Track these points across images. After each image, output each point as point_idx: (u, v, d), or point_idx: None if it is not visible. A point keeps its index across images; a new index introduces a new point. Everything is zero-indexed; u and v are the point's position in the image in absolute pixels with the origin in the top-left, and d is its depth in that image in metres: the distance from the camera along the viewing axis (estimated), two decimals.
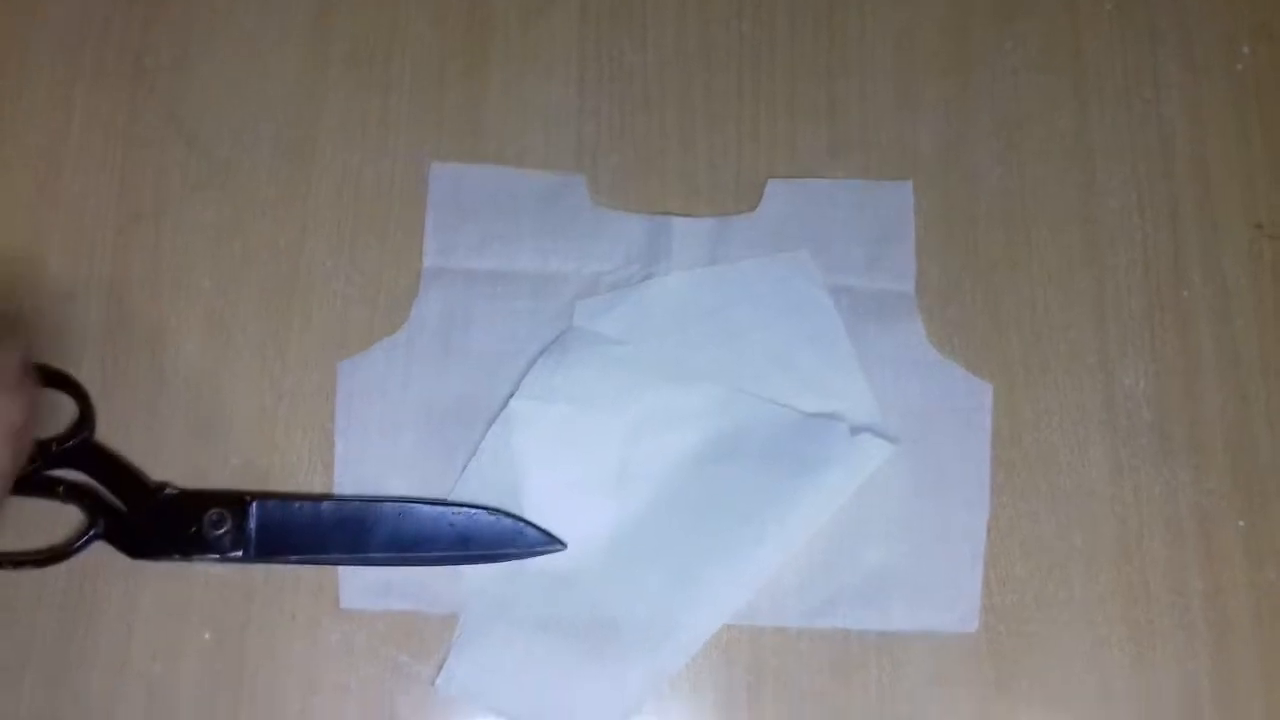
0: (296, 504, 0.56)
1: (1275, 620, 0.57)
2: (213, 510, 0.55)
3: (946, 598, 0.57)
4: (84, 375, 0.57)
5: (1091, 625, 0.57)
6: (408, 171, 0.61)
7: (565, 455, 0.57)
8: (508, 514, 0.56)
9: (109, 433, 0.57)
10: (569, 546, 0.56)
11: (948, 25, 0.64)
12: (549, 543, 0.56)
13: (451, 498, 0.57)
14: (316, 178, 0.61)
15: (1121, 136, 0.63)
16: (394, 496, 0.57)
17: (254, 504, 0.56)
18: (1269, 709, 0.56)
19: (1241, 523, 0.58)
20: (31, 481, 0.55)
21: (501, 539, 0.56)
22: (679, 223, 0.61)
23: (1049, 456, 0.58)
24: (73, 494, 0.55)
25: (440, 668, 0.55)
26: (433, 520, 0.56)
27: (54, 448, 0.56)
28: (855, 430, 0.57)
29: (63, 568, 0.55)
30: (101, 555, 0.55)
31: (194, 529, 0.55)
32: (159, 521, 0.56)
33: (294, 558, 0.55)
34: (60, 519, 0.56)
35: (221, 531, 0.55)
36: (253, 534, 0.55)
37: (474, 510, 0.56)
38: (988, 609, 0.57)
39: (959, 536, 0.57)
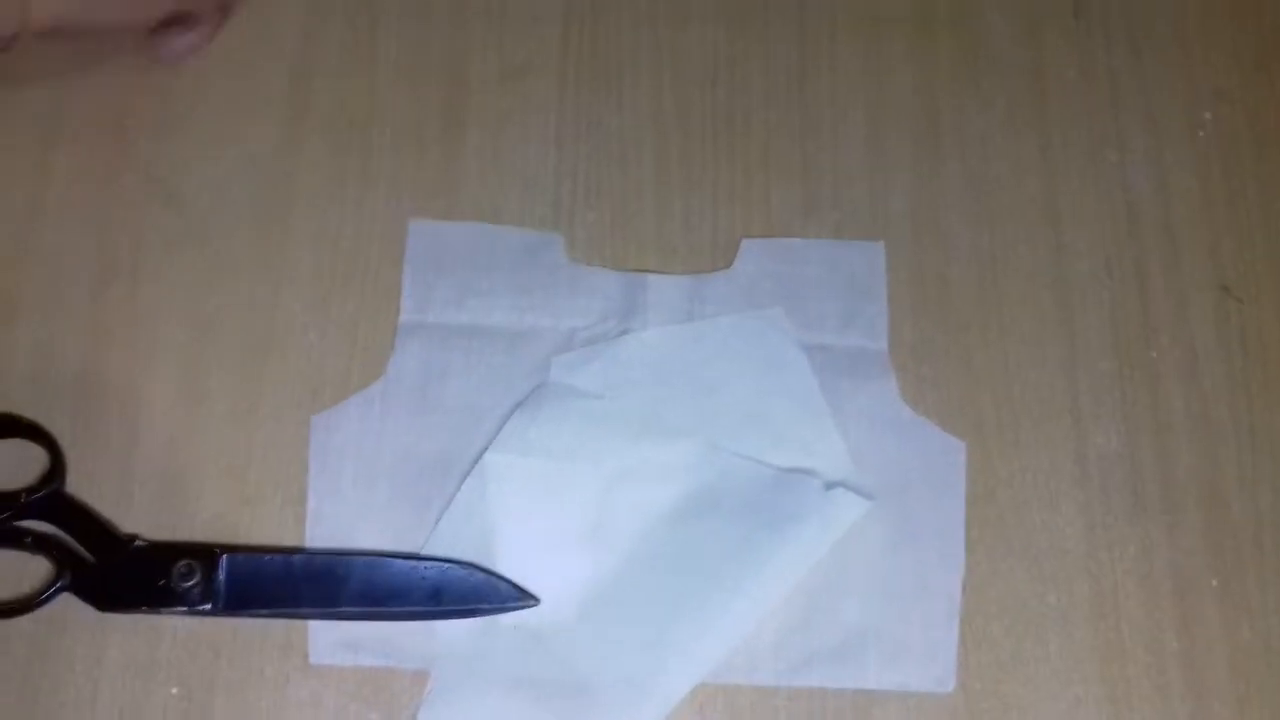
0: (267, 557, 0.55)
1: (1251, 679, 0.57)
2: (181, 562, 0.55)
3: (923, 656, 0.56)
4: (56, 428, 0.57)
5: (1068, 685, 0.56)
6: (385, 229, 0.62)
7: (540, 509, 0.57)
8: (480, 568, 0.56)
9: (80, 485, 0.57)
10: (542, 602, 0.56)
11: (918, 89, 0.65)
12: (522, 598, 0.55)
13: (425, 552, 0.56)
14: (294, 235, 0.61)
15: (1089, 200, 0.64)
16: (365, 550, 0.56)
17: (224, 556, 0.55)
18: None
19: (1215, 582, 0.58)
20: None
21: (474, 594, 0.55)
22: (654, 280, 0.61)
23: (1022, 514, 0.59)
24: (40, 545, 0.55)
25: None
26: (404, 574, 0.55)
27: (23, 498, 0.55)
28: (829, 486, 0.57)
29: (28, 620, 0.54)
30: (68, 608, 0.54)
31: (163, 581, 0.54)
32: (127, 573, 0.55)
33: (264, 611, 0.55)
34: (27, 570, 0.55)
35: (191, 584, 0.54)
36: (222, 586, 0.55)
37: (446, 564, 0.56)
38: (964, 668, 0.56)
39: (935, 594, 0.57)
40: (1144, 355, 0.61)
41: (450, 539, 0.57)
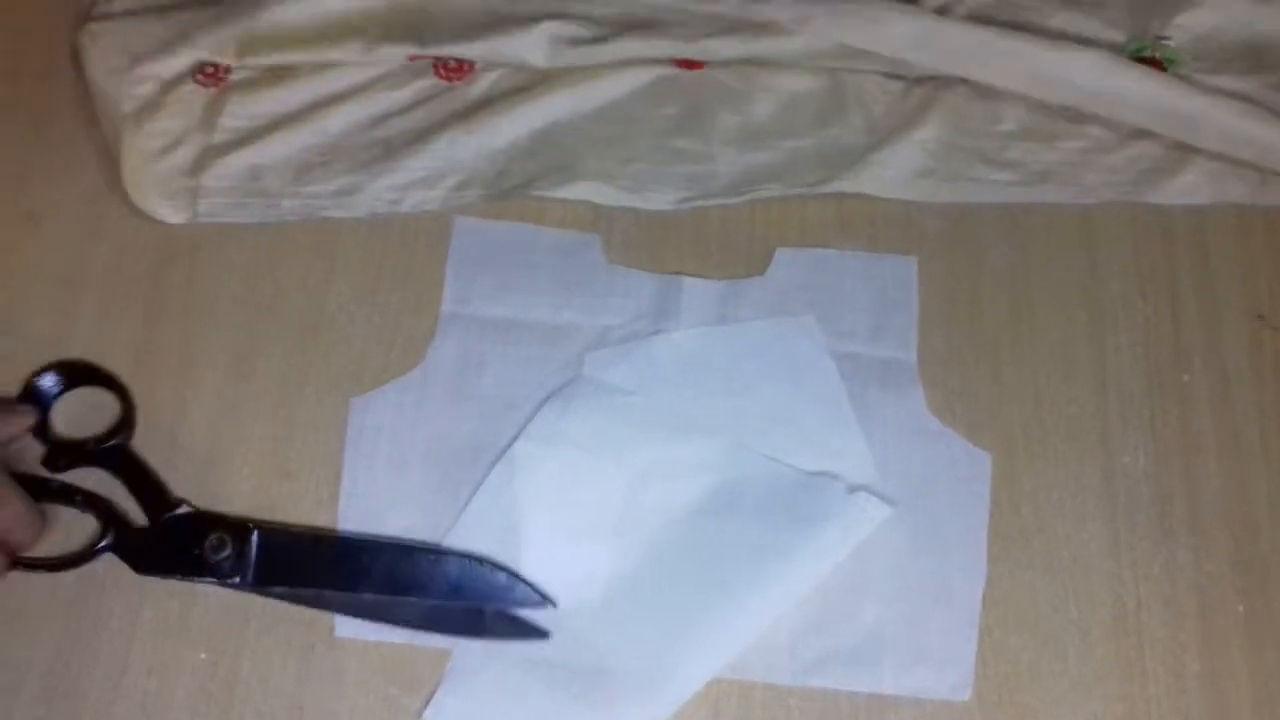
0: (297, 536, 0.57)
1: (1275, 706, 0.56)
2: (214, 535, 0.56)
3: (940, 663, 0.57)
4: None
5: (1086, 700, 0.56)
6: (432, 224, 0.64)
7: (566, 500, 0.58)
8: (503, 567, 0.57)
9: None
10: (565, 590, 0.57)
11: None
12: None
13: (451, 534, 0.58)
14: (347, 226, 0.64)
15: (1123, 221, 0.65)
16: (391, 538, 0.58)
17: (256, 532, 0.57)
18: None
19: (1241, 607, 0.58)
20: (51, 487, 0.57)
21: (494, 592, 0.56)
22: (689, 282, 0.63)
23: (1047, 528, 0.59)
24: (89, 503, 0.57)
25: (429, 702, 0.56)
26: (428, 566, 0.57)
27: (90, 446, 0.58)
28: (853, 489, 0.58)
29: (71, 575, 0.57)
30: (109, 567, 0.57)
31: (197, 551, 0.56)
32: (166, 540, 0.57)
33: (289, 589, 0.56)
34: (76, 526, 0.58)
35: (223, 556, 0.56)
36: (253, 562, 0.56)
37: (469, 560, 0.57)
38: (981, 677, 0.56)
39: (955, 603, 0.57)
40: (1175, 378, 0.61)
41: (477, 523, 0.58)
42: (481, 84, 0.67)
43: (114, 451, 0.58)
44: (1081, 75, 0.65)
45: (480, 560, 0.57)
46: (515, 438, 0.59)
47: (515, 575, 0.56)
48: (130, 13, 0.67)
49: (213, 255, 0.63)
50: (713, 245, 0.64)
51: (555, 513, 0.58)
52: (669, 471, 0.59)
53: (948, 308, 0.63)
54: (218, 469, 0.59)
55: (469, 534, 0.58)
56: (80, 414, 0.60)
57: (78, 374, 0.60)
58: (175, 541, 0.57)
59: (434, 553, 0.57)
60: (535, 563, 0.57)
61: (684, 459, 0.59)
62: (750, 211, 0.65)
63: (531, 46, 0.66)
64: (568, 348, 0.61)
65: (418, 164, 0.65)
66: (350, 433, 0.60)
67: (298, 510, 0.59)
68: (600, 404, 0.60)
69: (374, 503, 0.59)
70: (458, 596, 0.56)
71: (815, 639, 0.57)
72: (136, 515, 0.58)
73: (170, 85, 0.66)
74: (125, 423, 0.59)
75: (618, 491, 0.59)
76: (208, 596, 0.57)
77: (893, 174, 0.65)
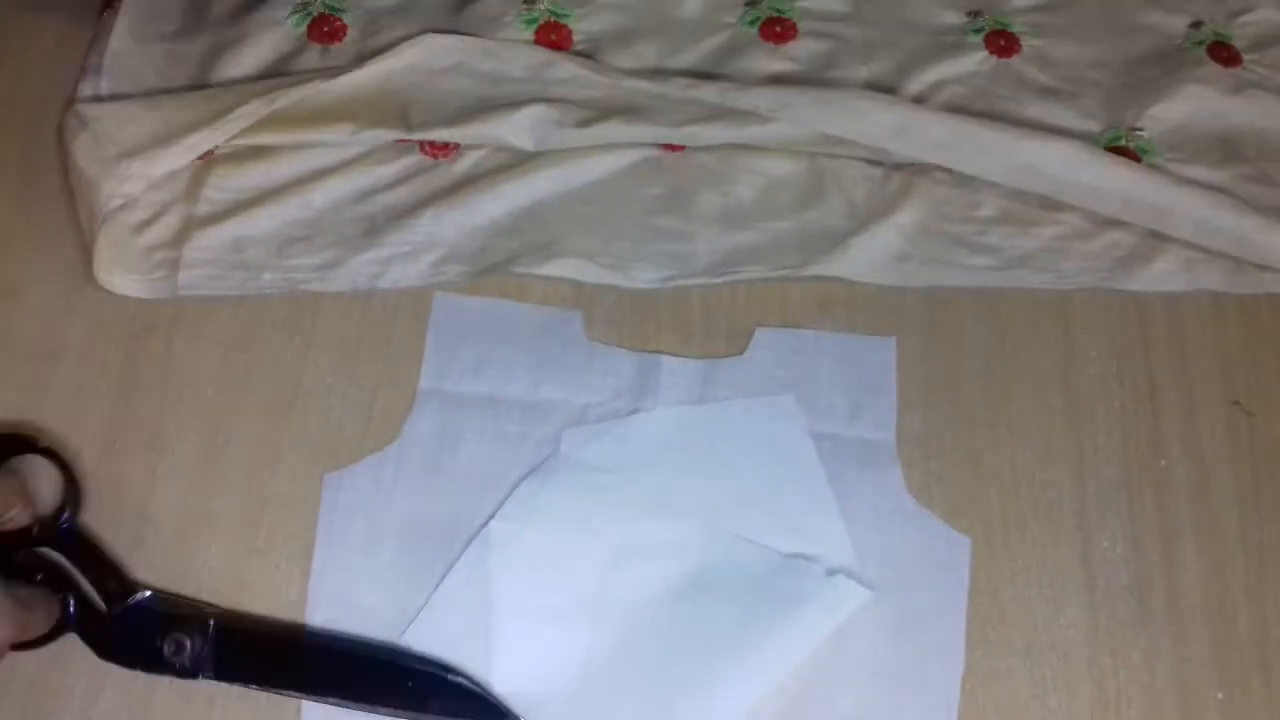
0: (259, 631, 0.56)
1: None
2: (174, 634, 0.55)
3: None
4: (83, 464, 0.59)
5: None
6: (412, 300, 0.64)
7: (541, 580, 0.58)
8: (472, 682, 0.55)
9: (99, 522, 0.58)
10: (538, 676, 0.56)
11: None
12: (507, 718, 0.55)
13: (424, 614, 0.57)
14: (328, 299, 0.64)
15: (1099, 309, 0.65)
16: (356, 637, 0.57)
17: (214, 628, 0.55)
18: None
19: (1220, 695, 0.57)
20: (10, 564, 0.56)
21: (460, 708, 0.55)
22: (669, 361, 0.63)
23: (1025, 613, 0.58)
24: (52, 582, 0.56)
25: None
26: (396, 671, 0.55)
27: (35, 530, 0.57)
28: (831, 572, 0.58)
29: (30, 655, 0.55)
30: (71, 647, 0.56)
31: (156, 645, 0.55)
32: (124, 630, 0.56)
33: (253, 685, 0.55)
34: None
35: (182, 655, 0.55)
36: (210, 658, 0.55)
37: (439, 671, 0.55)
38: None
39: (932, 690, 0.57)
40: (1153, 463, 0.61)
41: (450, 603, 0.57)
42: (466, 161, 0.68)
43: (62, 532, 0.57)
44: (1056, 166, 0.66)
45: (447, 671, 0.55)
46: (491, 516, 0.59)
47: (485, 692, 0.55)
48: (119, 97, 0.68)
49: (190, 328, 0.63)
50: (693, 324, 0.64)
51: (529, 593, 0.58)
52: (645, 552, 0.58)
53: (925, 389, 0.63)
54: (186, 545, 0.58)
55: (441, 614, 0.57)
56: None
57: (12, 445, 0.58)
58: (134, 633, 0.56)
59: (399, 664, 0.56)
60: (508, 644, 0.56)
61: (661, 540, 0.58)
62: (731, 291, 0.65)
63: (517, 130, 0.67)
64: (546, 425, 0.61)
65: (400, 239, 0.65)
66: (323, 509, 0.59)
67: (266, 587, 0.58)
68: (577, 482, 0.59)
69: (345, 580, 0.58)
70: (422, 708, 0.55)
71: None
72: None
73: (159, 181, 0.66)
74: (71, 500, 0.58)
75: (593, 571, 0.58)
76: (171, 683, 0.56)
77: (872, 258, 0.65)
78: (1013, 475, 0.61)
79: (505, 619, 0.57)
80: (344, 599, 0.57)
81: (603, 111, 0.67)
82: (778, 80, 0.70)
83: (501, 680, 0.56)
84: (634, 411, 0.61)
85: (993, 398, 0.63)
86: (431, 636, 0.57)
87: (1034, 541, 0.59)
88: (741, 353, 0.63)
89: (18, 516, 0.56)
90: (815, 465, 0.60)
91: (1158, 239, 0.66)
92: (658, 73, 0.70)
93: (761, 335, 0.63)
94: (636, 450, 0.60)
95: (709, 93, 0.68)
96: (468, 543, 0.58)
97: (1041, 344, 0.64)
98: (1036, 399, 0.63)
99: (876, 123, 0.67)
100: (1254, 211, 0.65)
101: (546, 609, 0.57)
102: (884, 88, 0.70)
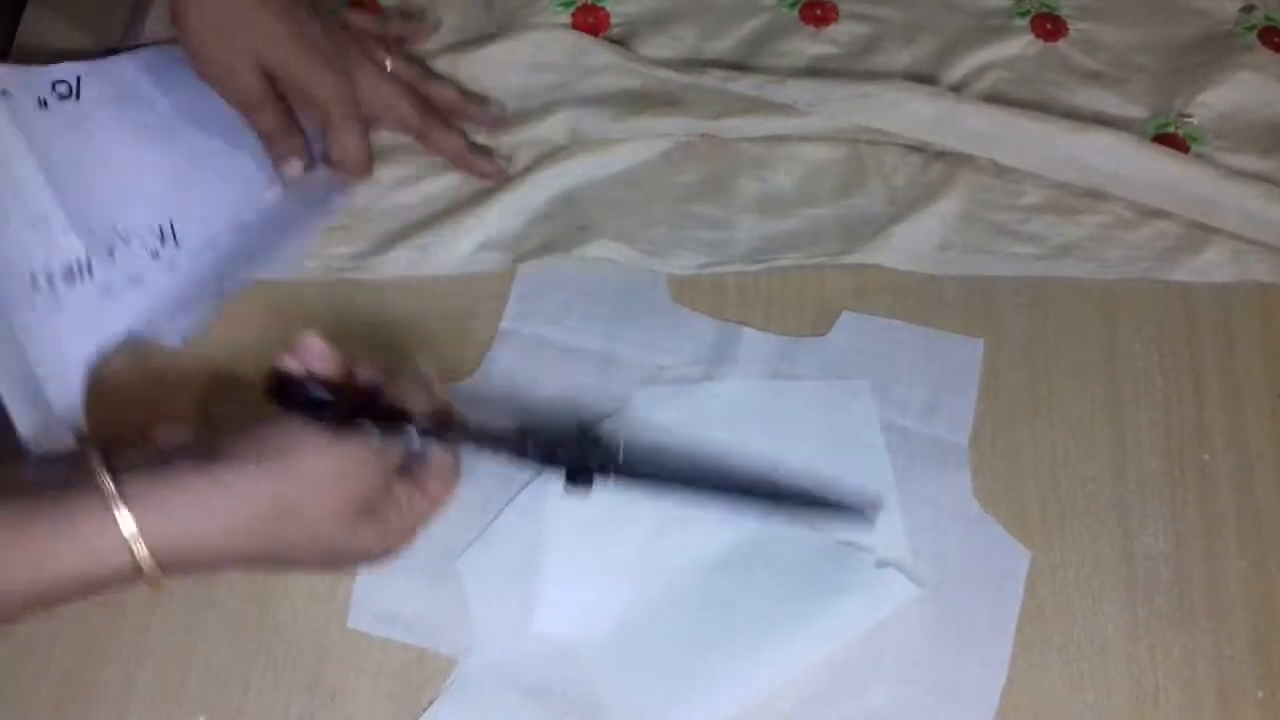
0: None
1: None
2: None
3: None
4: None
5: None
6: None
7: (589, 533, 0.58)
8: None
9: None
10: (574, 624, 0.56)
11: None
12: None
13: (475, 546, 0.58)
14: None
15: (1144, 298, 0.64)
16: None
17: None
18: None
19: (1260, 693, 0.56)
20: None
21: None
22: (749, 334, 0.63)
23: (1063, 607, 0.58)
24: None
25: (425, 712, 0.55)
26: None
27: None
28: (881, 564, 0.57)
29: (63, 647, 0.56)
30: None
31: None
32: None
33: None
34: None
35: None
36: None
37: None
38: None
39: (971, 693, 0.56)
40: (1196, 457, 0.60)
41: (502, 538, 0.58)
42: (503, 149, 0.68)
43: None
44: (1099, 157, 0.65)
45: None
46: None
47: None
48: None
49: None
50: (781, 299, 0.65)
51: (578, 543, 0.58)
52: (698, 519, 0.57)
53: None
54: None
55: (492, 549, 0.58)
56: None
57: None
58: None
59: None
60: (551, 588, 0.57)
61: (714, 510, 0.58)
62: (819, 273, 0.65)
63: (552, 129, 0.68)
64: (619, 381, 0.62)
65: (439, 227, 0.65)
66: None
67: None
68: (643, 441, 0.59)
69: None
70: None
71: (818, 712, 0.55)
72: None
73: None
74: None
75: (645, 531, 0.58)
76: (206, 660, 0.56)
77: (914, 246, 0.65)
78: (1052, 468, 0.60)
79: (550, 562, 0.58)
80: None
81: (639, 103, 0.68)
82: (817, 67, 0.70)
83: (541, 620, 0.57)
84: (708, 379, 0.61)
85: (1034, 392, 0.62)
86: (483, 565, 0.57)
87: (1074, 536, 0.59)
88: (825, 333, 0.63)
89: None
90: (882, 455, 0.60)
91: (1205, 229, 0.65)
92: (693, 61, 0.70)
93: (846, 319, 0.63)
94: (706, 417, 0.60)
95: (745, 85, 0.67)
96: (526, 485, 0.59)
97: (1083, 334, 0.63)
98: (1078, 390, 0.62)
99: (916, 115, 0.66)
100: None
101: (591, 561, 0.58)
102: (926, 72, 0.70)
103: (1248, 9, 0.73)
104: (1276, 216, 0.64)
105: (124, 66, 0.68)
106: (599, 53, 0.70)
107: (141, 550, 0.45)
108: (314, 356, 0.50)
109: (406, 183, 0.67)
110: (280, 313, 0.64)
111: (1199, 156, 0.67)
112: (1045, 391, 0.62)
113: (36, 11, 0.73)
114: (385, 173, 0.67)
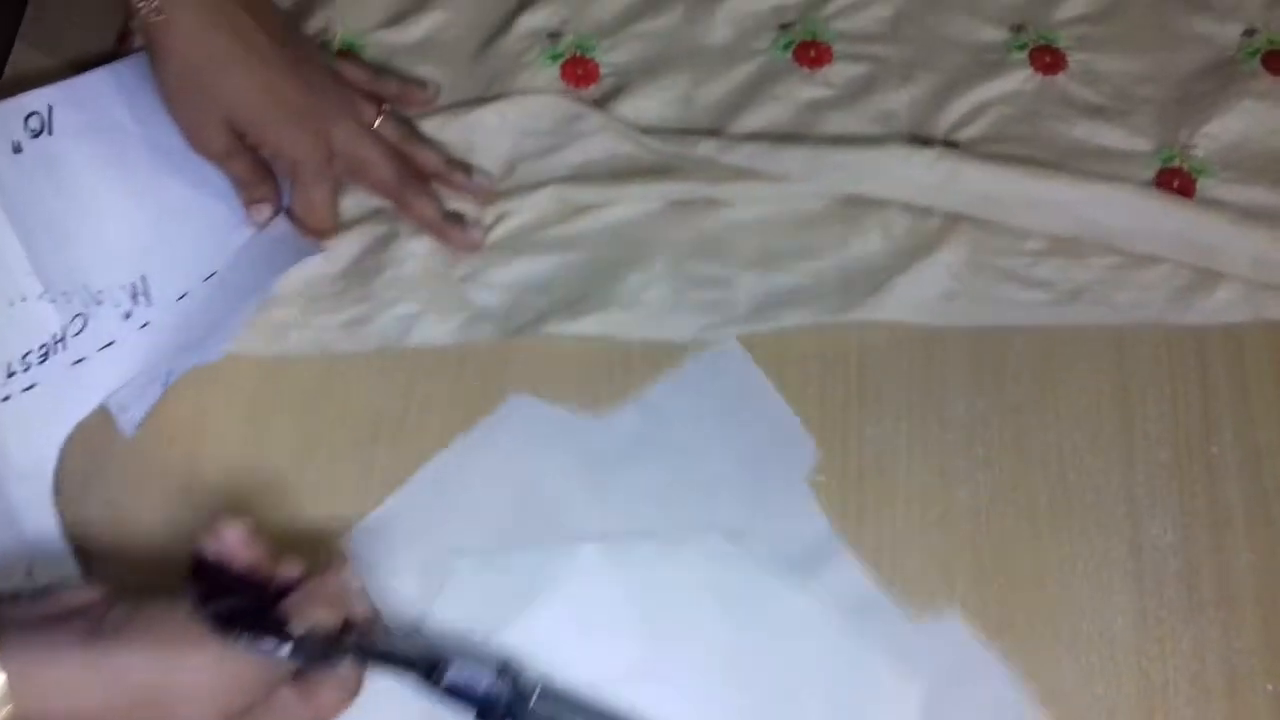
0: None
1: None
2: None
3: None
4: None
5: None
6: None
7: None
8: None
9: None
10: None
11: None
12: None
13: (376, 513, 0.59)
14: None
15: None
16: None
17: None
18: None
19: (1270, 686, 0.56)
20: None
21: None
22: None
23: (1071, 600, 0.57)
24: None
25: None
26: None
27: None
28: None
29: None
30: None
31: None
32: None
33: None
34: None
35: None
36: None
37: None
38: None
39: None
40: (1204, 449, 0.60)
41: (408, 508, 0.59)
42: (492, 214, 0.67)
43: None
44: (1104, 213, 0.64)
45: None
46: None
47: None
48: None
49: None
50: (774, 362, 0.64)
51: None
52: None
53: (973, 373, 0.63)
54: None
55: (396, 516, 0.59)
56: None
57: None
58: None
59: None
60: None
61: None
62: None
63: (539, 201, 0.66)
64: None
65: (428, 295, 0.64)
66: None
67: None
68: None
69: None
70: None
71: None
72: None
73: None
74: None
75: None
76: None
77: (918, 297, 0.64)
78: (1059, 460, 0.60)
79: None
80: None
81: (630, 172, 0.66)
82: (812, 111, 0.69)
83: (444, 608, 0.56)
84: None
85: (1041, 381, 0.62)
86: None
87: (1081, 528, 0.59)
88: None
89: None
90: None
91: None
92: (687, 130, 0.68)
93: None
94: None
95: (739, 156, 0.66)
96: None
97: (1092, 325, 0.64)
98: (1085, 381, 0.62)
99: (915, 182, 0.65)
100: None
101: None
102: (924, 114, 0.68)
103: (1249, 33, 0.72)
104: None
105: (97, 86, 0.66)
106: (590, 118, 0.68)
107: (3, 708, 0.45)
108: (235, 545, 0.51)
109: (392, 245, 0.66)
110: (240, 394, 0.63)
111: (1206, 199, 0.66)
112: (1051, 382, 0.62)
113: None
114: (370, 235, 0.66)
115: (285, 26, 0.64)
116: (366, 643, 0.51)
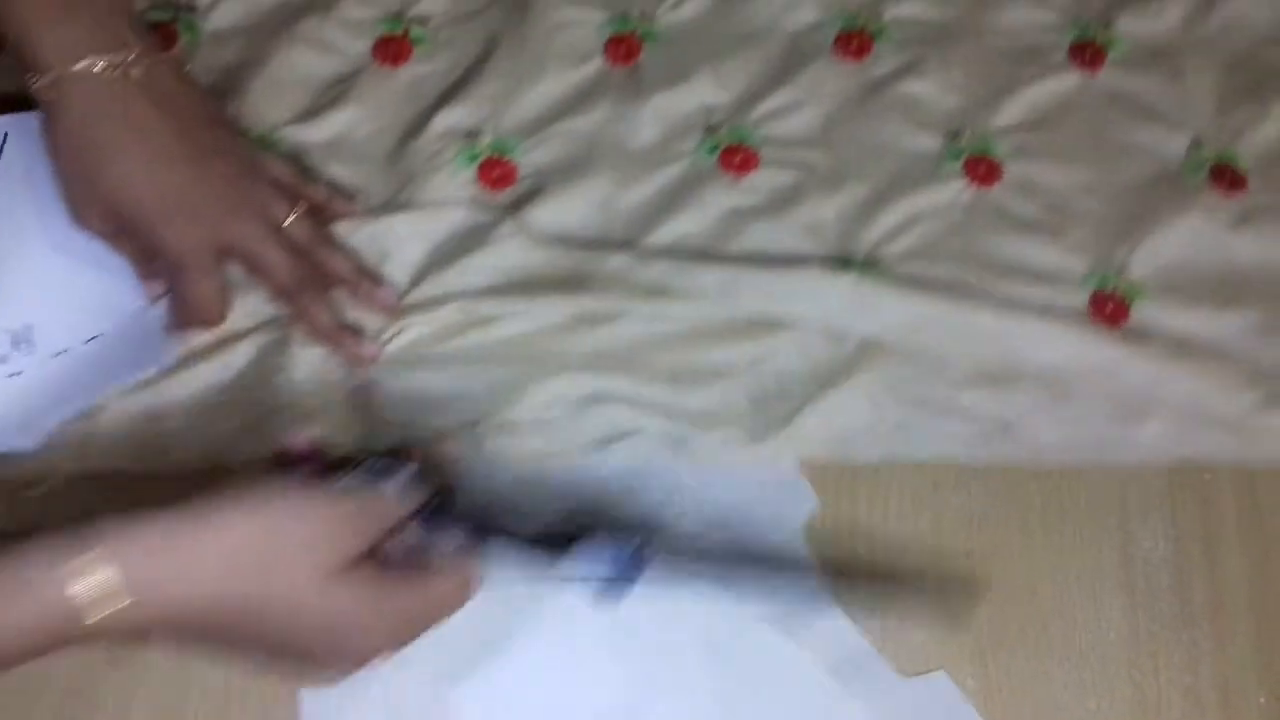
0: None
1: None
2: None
3: None
4: None
5: None
6: None
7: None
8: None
9: None
10: None
11: None
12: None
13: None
14: None
15: None
16: None
17: None
18: None
19: (1263, 699, 0.55)
20: None
21: None
22: None
23: (1064, 613, 0.56)
24: None
25: None
26: None
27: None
28: None
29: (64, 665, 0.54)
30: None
31: None
32: None
33: None
34: None
35: None
36: None
37: None
38: None
39: None
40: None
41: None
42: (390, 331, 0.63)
43: None
44: (1030, 347, 0.61)
45: None
46: None
47: None
48: None
49: None
50: None
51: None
52: None
53: None
54: None
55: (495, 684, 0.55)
56: None
57: None
58: None
59: None
60: None
61: None
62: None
63: (444, 316, 0.63)
64: None
65: (321, 404, 0.61)
66: None
67: None
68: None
69: None
70: None
71: None
72: None
73: None
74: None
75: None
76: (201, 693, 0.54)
77: (838, 428, 0.60)
78: (1053, 472, 0.60)
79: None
80: None
81: (541, 284, 0.63)
82: (735, 219, 0.66)
83: None
84: None
85: None
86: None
87: (1074, 541, 0.58)
88: None
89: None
90: None
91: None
92: (602, 241, 0.65)
93: None
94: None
95: (655, 271, 0.63)
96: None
97: None
98: None
99: (833, 307, 0.62)
100: (1249, 388, 0.61)
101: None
102: (851, 228, 0.65)
103: (1197, 145, 0.67)
104: (1219, 407, 0.60)
105: (15, 128, 0.64)
106: (503, 227, 0.65)
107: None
108: None
109: (285, 351, 0.62)
110: None
111: (1140, 326, 0.62)
112: None
113: None
114: (265, 342, 0.62)
115: (201, 116, 0.61)
116: (484, 515, 0.51)
